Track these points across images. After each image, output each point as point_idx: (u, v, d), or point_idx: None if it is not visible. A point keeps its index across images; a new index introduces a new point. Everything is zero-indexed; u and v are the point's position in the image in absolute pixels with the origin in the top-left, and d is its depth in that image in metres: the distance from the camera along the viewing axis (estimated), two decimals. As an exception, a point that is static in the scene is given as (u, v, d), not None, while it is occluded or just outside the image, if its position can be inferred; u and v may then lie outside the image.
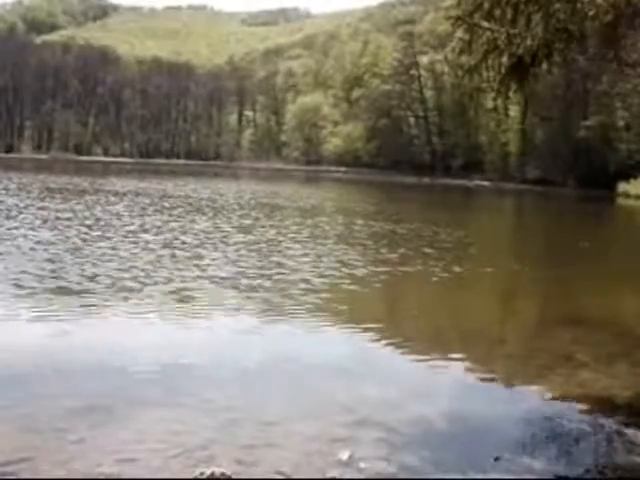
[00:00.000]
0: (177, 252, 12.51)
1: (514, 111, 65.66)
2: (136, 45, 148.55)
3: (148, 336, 7.30)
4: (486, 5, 5.87)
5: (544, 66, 6.33)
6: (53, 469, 4.09)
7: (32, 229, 14.51)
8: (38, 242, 12.68)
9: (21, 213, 17.71)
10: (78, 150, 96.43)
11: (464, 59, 6.64)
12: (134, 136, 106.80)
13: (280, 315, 8.29)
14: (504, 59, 6.21)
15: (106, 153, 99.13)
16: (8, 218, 16.27)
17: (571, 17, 5.97)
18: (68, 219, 16.93)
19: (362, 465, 4.30)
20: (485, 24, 6.05)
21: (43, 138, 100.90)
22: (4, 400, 5.13)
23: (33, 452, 4.29)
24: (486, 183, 59.88)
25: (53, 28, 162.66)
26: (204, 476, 4.02)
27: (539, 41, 5.94)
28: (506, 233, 21.70)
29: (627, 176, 46.45)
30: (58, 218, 16.86)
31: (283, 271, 11.10)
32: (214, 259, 11.94)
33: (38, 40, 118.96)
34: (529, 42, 5.97)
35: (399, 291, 11.15)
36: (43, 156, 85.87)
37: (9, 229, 14.30)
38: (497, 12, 5.90)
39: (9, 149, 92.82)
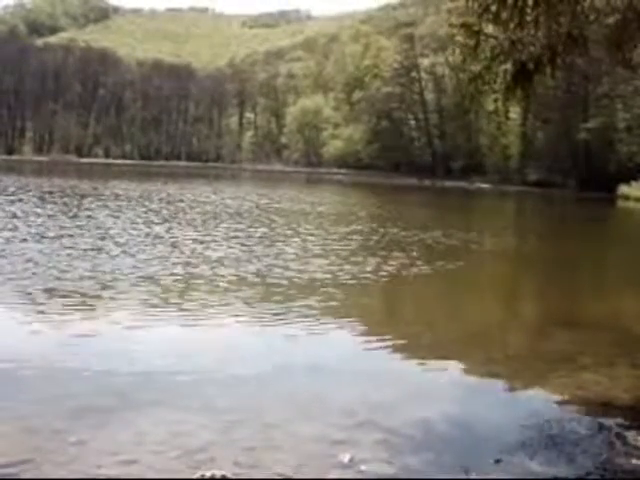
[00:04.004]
0: (196, 260, 12.49)
1: (514, 113, 65.56)
2: (137, 47, 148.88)
3: (149, 339, 7.31)
4: (493, 8, 5.87)
5: (547, 71, 6.35)
6: (54, 470, 4.10)
7: (42, 237, 14.39)
8: (48, 249, 12.61)
9: (31, 220, 17.66)
10: (79, 152, 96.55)
11: (468, 65, 6.66)
12: (135, 138, 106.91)
13: (282, 318, 8.29)
14: (508, 66, 6.23)
15: (107, 155, 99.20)
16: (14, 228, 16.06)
17: (573, 21, 5.98)
18: (82, 227, 16.90)
19: (363, 467, 4.31)
20: (489, 30, 6.06)
21: (44, 140, 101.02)
22: (5, 401, 5.13)
23: (34, 453, 4.29)
24: (487, 185, 59.83)
25: (54, 30, 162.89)
26: (205, 478, 4.02)
27: (542, 46, 5.96)
28: (519, 237, 21.66)
29: (628, 178, 46.38)
30: (74, 226, 16.70)
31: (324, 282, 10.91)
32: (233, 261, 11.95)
33: (39, 42, 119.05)
34: (532, 48, 5.99)
35: (437, 301, 11.13)
36: (44, 158, 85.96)
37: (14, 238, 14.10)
38: (504, 15, 5.90)
39: (10, 151, 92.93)
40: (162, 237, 14.81)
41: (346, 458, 4.40)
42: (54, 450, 4.36)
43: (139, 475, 4.10)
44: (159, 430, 4.74)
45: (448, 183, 61.82)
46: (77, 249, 12.39)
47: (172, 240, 14.39)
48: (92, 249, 12.48)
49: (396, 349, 7.29)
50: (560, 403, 5.71)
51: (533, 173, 60.76)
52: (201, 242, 14.30)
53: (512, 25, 6.03)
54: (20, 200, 22.41)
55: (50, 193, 27.07)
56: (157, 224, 17.60)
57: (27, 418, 4.83)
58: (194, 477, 4.04)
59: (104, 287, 9.29)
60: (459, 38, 6.39)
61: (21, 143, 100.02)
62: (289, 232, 17.16)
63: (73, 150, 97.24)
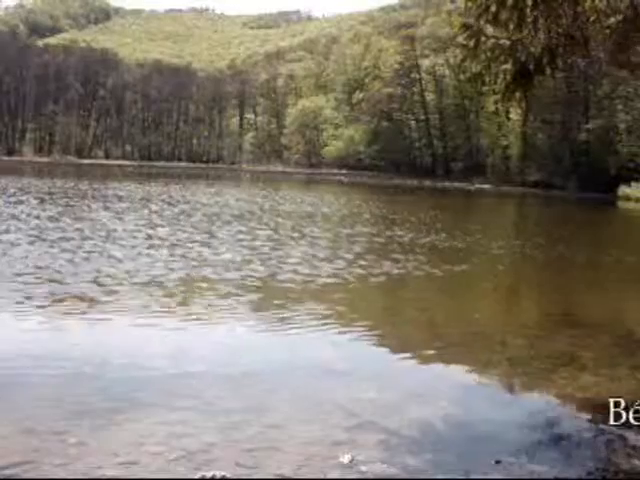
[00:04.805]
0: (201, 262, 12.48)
1: (515, 114, 65.69)
2: (137, 48, 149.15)
3: (151, 341, 7.31)
4: (492, 9, 5.87)
5: (547, 71, 6.34)
6: (54, 471, 4.10)
7: (43, 239, 14.37)
8: (50, 251, 12.60)
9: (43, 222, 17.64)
10: (79, 153, 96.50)
11: (468, 65, 6.66)
12: (135, 139, 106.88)
13: (284, 320, 8.30)
14: (508, 66, 6.22)
15: (107, 156, 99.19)
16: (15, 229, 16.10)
17: (573, 22, 5.99)
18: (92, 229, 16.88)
19: (363, 468, 4.31)
20: (489, 31, 6.06)
21: (45, 141, 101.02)
22: (5, 402, 5.14)
23: (34, 454, 4.29)
24: (487, 186, 59.86)
25: (55, 31, 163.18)
26: (205, 479, 4.03)
27: (542, 47, 5.96)
28: (520, 239, 21.68)
29: (628, 179, 46.41)
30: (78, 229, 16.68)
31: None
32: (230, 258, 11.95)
33: (40, 43, 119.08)
34: (532, 48, 5.98)
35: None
36: (44, 159, 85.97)
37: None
38: (503, 16, 5.89)
39: (11, 152, 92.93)
40: (165, 239, 14.77)
41: (346, 459, 4.40)
42: (54, 451, 4.36)
43: (140, 477, 4.10)
44: (160, 431, 4.74)
45: (448, 184, 61.83)
46: (79, 251, 12.37)
47: (175, 242, 14.36)
48: (94, 251, 12.46)
49: (397, 350, 7.30)
50: (560, 403, 5.71)
51: (533, 174, 60.82)
52: (205, 244, 14.28)
53: (512, 26, 6.03)
54: (21, 202, 22.38)
55: (51, 194, 27.05)
56: (160, 226, 17.54)
57: (27, 419, 4.83)
58: (195, 478, 4.04)
59: (106, 289, 9.28)
60: (459, 39, 6.39)
61: (22, 144, 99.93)
62: (294, 234, 17.13)
63: (74, 151, 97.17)
